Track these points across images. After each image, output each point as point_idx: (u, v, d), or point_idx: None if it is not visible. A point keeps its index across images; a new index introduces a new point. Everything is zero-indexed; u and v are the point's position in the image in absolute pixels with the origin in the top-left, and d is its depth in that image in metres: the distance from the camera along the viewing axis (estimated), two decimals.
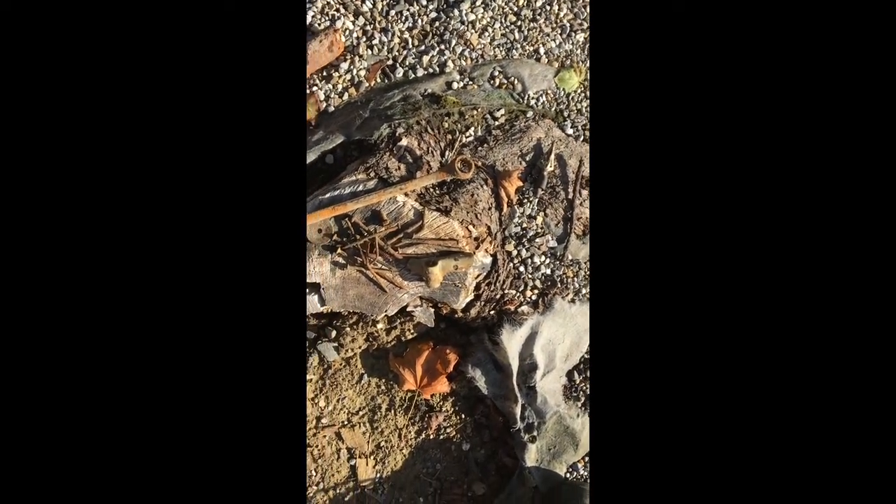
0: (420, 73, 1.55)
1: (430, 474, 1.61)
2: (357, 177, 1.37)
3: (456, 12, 1.56)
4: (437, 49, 1.55)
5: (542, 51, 1.60)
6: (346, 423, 1.60)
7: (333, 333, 1.54)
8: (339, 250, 1.36)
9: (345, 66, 1.52)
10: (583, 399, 1.60)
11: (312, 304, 1.41)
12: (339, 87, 1.53)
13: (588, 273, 1.55)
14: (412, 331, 1.55)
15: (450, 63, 1.55)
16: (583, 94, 1.60)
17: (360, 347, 1.56)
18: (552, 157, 1.52)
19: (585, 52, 1.62)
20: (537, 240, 1.52)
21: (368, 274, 1.38)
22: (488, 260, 1.46)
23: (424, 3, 1.56)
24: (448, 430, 1.62)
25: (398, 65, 1.54)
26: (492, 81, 1.55)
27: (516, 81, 1.56)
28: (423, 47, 1.55)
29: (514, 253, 1.51)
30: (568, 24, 1.62)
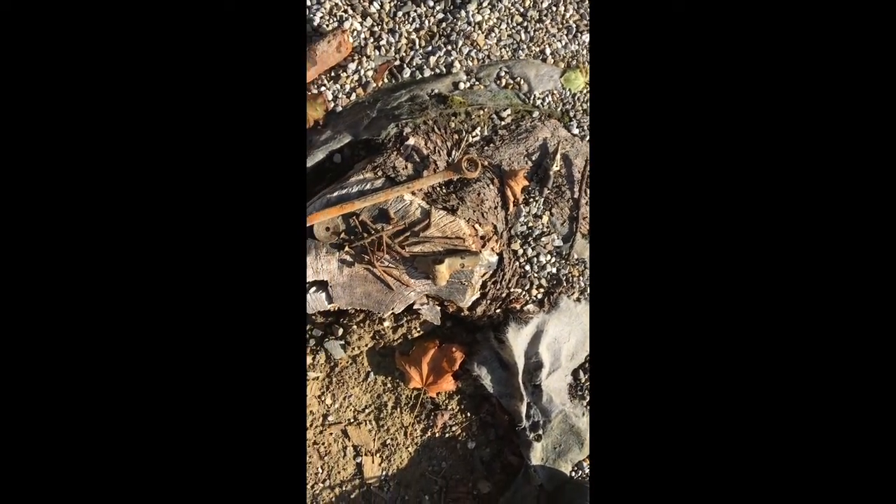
0: (427, 73, 1.56)
1: (435, 472, 1.62)
2: (365, 175, 1.38)
3: (463, 13, 1.57)
4: (444, 50, 1.56)
5: (548, 51, 1.61)
6: (352, 420, 1.61)
7: (340, 331, 1.55)
8: (346, 248, 1.37)
9: (352, 66, 1.54)
10: (588, 398, 1.60)
11: (320, 301, 1.42)
12: (347, 87, 1.54)
13: None
14: (418, 329, 1.56)
15: (456, 63, 1.56)
16: (588, 95, 1.61)
17: (366, 345, 1.56)
18: (558, 156, 1.53)
19: None
20: (543, 239, 1.53)
21: (376, 272, 1.39)
22: (494, 258, 1.46)
23: (431, 4, 1.58)
24: (454, 429, 1.62)
25: (405, 65, 1.56)
26: (498, 82, 1.56)
27: (522, 82, 1.57)
28: (430, 48, 1.57)
29: (520, 252, 1.52)
30: (574, 25, 1.63)
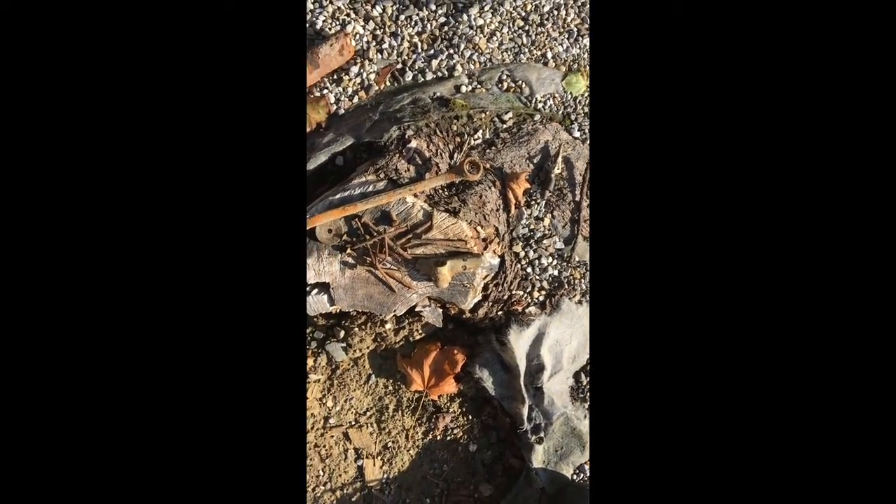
0: (429, 76, 1.57)
1: (436, 475, 1.62)
2: (367, 178, 1.39)
3: (465, 17, 1.58)
4: (446, 53, 1.57)
5: (549, 55, 1.62)
6: (353, 423, 1.61)
7: (342, 334, 1.55)
8: (348, 250, 1.38)
9: (355, 69, 1.54)
10: (589, 400, 1.60)
11: (322, 303, 1.42)
12: (350, 90, 1.55)
13: None
14: (420, 331, 1.56)
15: (458, 67, 1.57)
16: (589, 98, 1.62)
17: (368, 348, 1.57)
18: (559, 159, 1.53)
19: None
20: (545, 241, 1.53)
21: (378, 274, 1.39)
22: (496, 261, 1.47)
23: (434, 7, 1.58)
24: (455, 431, 1.62)
25: (407, 68, 1.56)
26: (500, 85, 1.57)
27: (524, 85, 1.57)
28: (432, 51, 1.58)
29: (522, 254, 1.52)
30: (575, 29, 1.63)
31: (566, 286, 1.54)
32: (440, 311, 1.49)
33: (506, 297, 1.51)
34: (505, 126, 1.55)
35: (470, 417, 1.62)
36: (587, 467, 1.60)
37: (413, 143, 1.42)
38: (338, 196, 1.37)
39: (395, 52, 1.57)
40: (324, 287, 1.41)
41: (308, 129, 1.51)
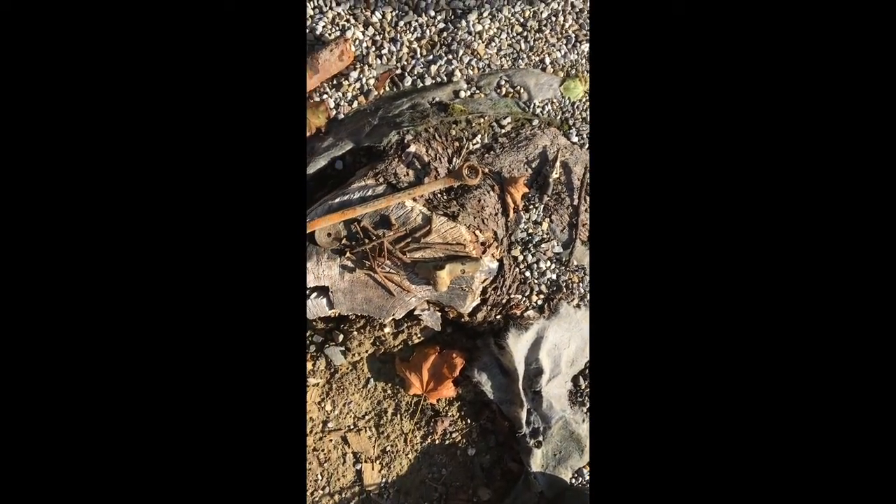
0: (428, 81, 1.58)
1: (435, 479, 1.62)
2: (366, 182, 1.39)
3: (463, 23, 1.59)
4: (445, 59, 1.58)
5: (547, 60, 1.63)
6: (352, 427, 1.61)
7: (341, 337, 1.55)
8: (347, 254, 1.38)
9: (354, 74, 1.55)
10: (588, 404, 1.60)
11: (321, 307, 1.42)
12: (349, 95, 1.56)
13: None
14: (419, 335, 1.56)
15: (457, 72, 1.58)
16: (587, 103, 1.63)
17: (366, 351, 1.57)
18: (557, 164, 1.54)
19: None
20: (543, 245, 1.54)
21: (377, 277, 1.40)
22: (495, 265, 1.47)
23: (433, 13, 1.60)
24: (454, 435, 1.63)
25: (407, 74, 1.57)
26: (498, 90, 1.58)
27: (522, 90, 1.59)
28: (431, 57, 1.59)
29: (521, 258, 1.53)
30: (573, 35, 1.65)
31: (564, 290, 1.55)
32: (439, 314, 1.49)
33: (504, 301, 1.51)
34: (503, 131, 1.56)
35: (468, 421, 1.63)
36: (586, 471, 1.60)
37: (412, 148, 1.42)
38: (337, 200, 1.38)
39: (395, 57, 1.58)
40: (323, 291, 1.41)
41: (308, 134, 1.51)
